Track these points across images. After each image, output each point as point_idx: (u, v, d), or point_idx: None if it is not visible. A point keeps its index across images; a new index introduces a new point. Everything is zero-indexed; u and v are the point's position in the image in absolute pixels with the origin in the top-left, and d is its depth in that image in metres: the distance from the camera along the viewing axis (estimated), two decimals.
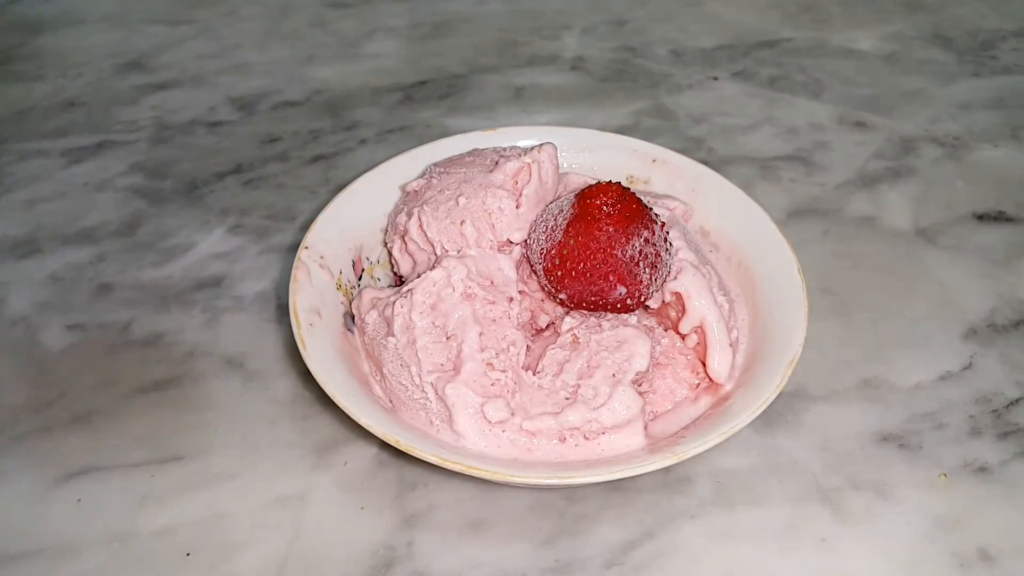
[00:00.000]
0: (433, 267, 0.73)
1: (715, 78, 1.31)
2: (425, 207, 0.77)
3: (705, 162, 0.89)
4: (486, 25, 1.43)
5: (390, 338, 0.71)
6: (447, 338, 0.70)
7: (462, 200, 0.76)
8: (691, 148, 1.14)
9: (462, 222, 0.75)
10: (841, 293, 0.93)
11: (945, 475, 0.76)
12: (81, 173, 1.10)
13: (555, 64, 1.34)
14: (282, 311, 0.90)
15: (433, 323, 0.70)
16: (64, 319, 0.89)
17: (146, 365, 0.85)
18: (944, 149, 1.16)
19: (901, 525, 0.72)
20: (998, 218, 1.04)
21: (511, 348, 0.70)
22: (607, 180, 0.71)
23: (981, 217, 1.05)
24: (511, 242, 0.76)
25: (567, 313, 0.75)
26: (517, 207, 0.76)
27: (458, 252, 0.75)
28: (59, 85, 1.27)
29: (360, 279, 0.83)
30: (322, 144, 1.16)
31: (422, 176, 0.83)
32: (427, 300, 0.71)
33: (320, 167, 1.11)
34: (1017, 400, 0.83)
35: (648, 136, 0.97)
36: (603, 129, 0.94)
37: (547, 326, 0.77)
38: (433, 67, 1.33)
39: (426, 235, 0.77)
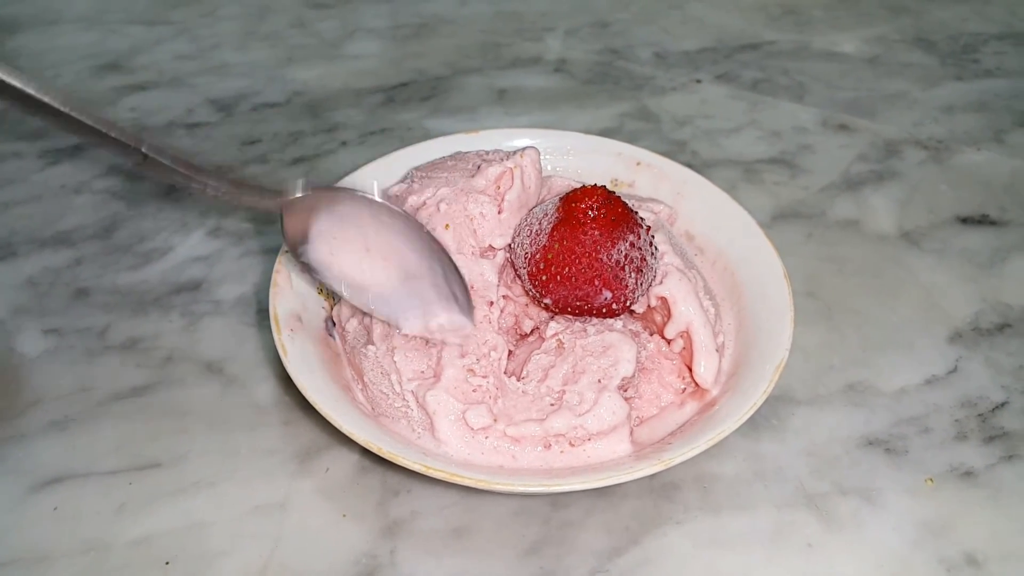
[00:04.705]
0: None
1: (698, 81, 1.31)
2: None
3: (689, 165, 0.90)
4: (468, 27, 1.42)
5: (370, 346, 0.70)
6: (427, 344, 0.69)
7: (443, 206, 0.75)
8: (675, 151, 1.14)
9: (446, 226, 0.74)
10: (825, 297, 0.93)
11: (931, 480, 0.76)
12: (58, 175, 1.09)
13: (538, 66, 1.34)
14: (262, 315, 0.89)
15: None
16: (40, 324, 0.88)
17: (123, 370, 0.84)
18: (928, 152, 1.16)
19: (888, 530, 0.72)
20: (982, 221, 1.05)
21: (492, 353, 0.70)
22: (592, 184, 0.71)
23: (965, 220, 1.05)
24: (493, 247, 0.76)
25: (552, 318, 0.75)
26: (499, 212, 0.75)
27: None
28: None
29: None
30: (303, 146, 1.15)
31: (404, 180, 0.82)
32: None
33: (301, 169, 1.10)
34: (1002, 404, 0.83)
35: (631, 139, 0.97)
36: (586, 131, 0.94)
37: (531, 331, 0.76)
38: (415, 68, 1.32)
39: None
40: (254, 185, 0.66)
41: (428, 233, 0.69)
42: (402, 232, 0.69)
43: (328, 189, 0.68)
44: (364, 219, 0.69)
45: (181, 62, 1.33)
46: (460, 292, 0.70)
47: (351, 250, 0.71)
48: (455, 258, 0.73)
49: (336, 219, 0.69)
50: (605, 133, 1.02)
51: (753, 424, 0.79)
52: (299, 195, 0.67)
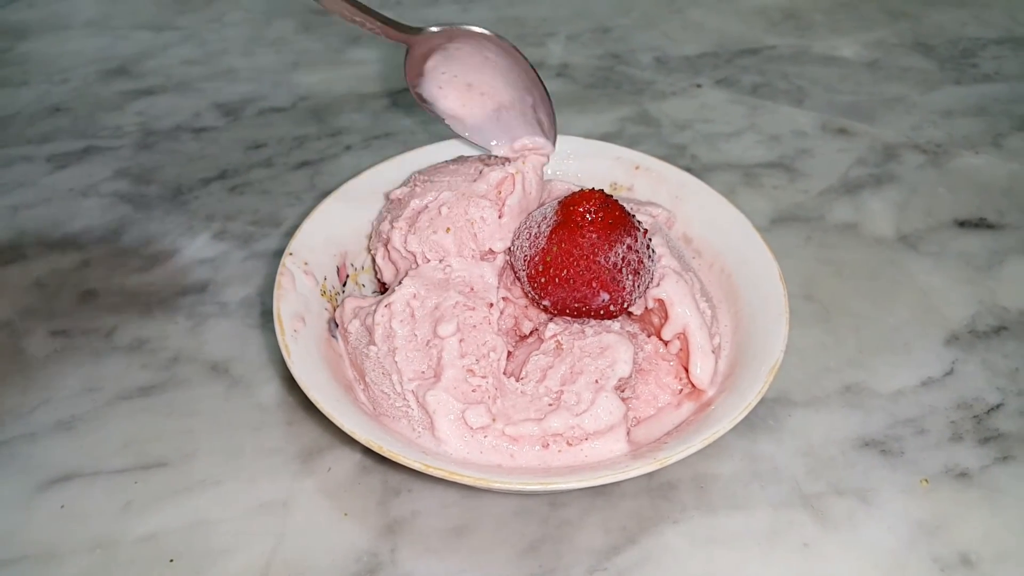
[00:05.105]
0: (411, 276, 0.73)
1: (698, 85, 1.31)
2: (407, 216, 0.78)
3: (689, 169, 0.90)
4: None
5: (371, 347, 0.71)
6: (427, 345, 0.70)
7: (444, 210, 0.76)
8: (675, 155, 1.15)
9: (447, 229, 0.75)
10: (823, 299, 0.94)
11: (927, 480, 0.76)
12: (66, 179, 1.10)
13: (540, 71, 1.33)
14: (266, 317, 0.90)
15: (413, 331, 0.71)
16: (48, 325, 0.89)
17: (130, 371, 0.85)
18: (926, 156, 1.17)
19: (883, 530, 0.72)
20: (979, 225, 1.05)
21: (491, 354, 0.70)
22: (590, 187, 0.72)
23: (963, 224, 1.05)
24: (493, 251, 0.77)
25: (550, 319, 0.76)
26: (500, 217, 0.76)
27: (440, 261, 0.75)
28: (44, 91, 1.27)
29: (345, 285, 0.83)
30: (307, 150, 1.16)
31: (406, 184, 0.83)
32: (407, 308, 0.71)
33: (305, 173, 1.11)
34: (998, 406, 0.83)
35: (632, 143, 0.97)
36: (587, 136, 0.94)
37: (530, 332, 0.77)
38: None
39: (407, 244, 0.77)
40: (391, 21, 0.79)
41: (528, 67, 0.81)
42: (503, 68, 0.81)
43: (448, 28, 0.80)
44: (472, 57, 0.81)
45: (188, 67, 1.34)
46: (546, 118, 0.82)
47: (455, 86, 0.83)
48: (454, 261, 0.74)
49: (447, 57, 0.81)
50: (606, 137, 1.03)
51: (750, 425, 0.80)
52: (425, 33, 0.79)
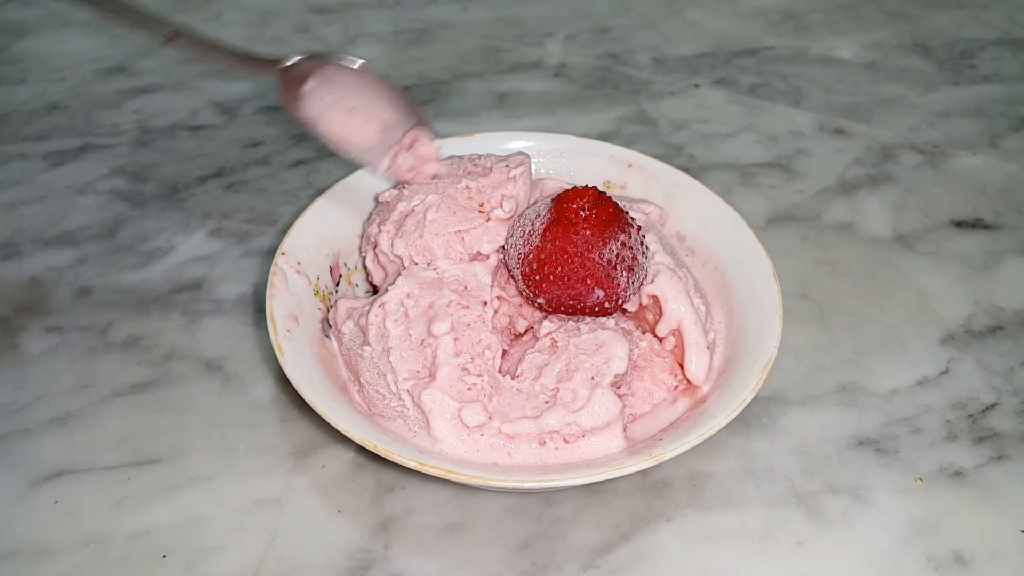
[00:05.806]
0: (404, 275, 0.73)
1: (696, 85, 1.31)
2: (394, 219, 0.77)
3: (686, 168, 0.90)
4: (469, 32, 1.43)
5: (366, 347, 0.71)
6: (421, 344, 0.70)
7: (430, 213, 0.76)
8: (672, 154, 1.15)
9: (434, 233, 0.75)
10: (819, 299, 0.94)
11: (921, 479, 0.76)
12: (63, 176, 1.10)
13: (538, 71, 1.34)
14: (261, 315, 0.90)
15: (407, 330, 0.71)
16: (43, 322, 0.89)
17: (125, 368, 0.84)
18: (923, 156, 1.17)
19: (877, 529, 0.72)
20: (976, 225, 1.05)
21: (486, 352, 0.70)
22: (583, 185, 0.71)
23: (959, 224, 1.05)
24: (481, 253, 0.76)
25: (545, 317, 0.75)
26: (487, 221, 0.76)
27: (428, 264, 0.75)
28: (41, 89, 1.27)
29: (338, 285, 0.83)
30: (304, 149, 1.16)
31: (395, 186, 0.83)
32: (400, 308, 0.71)
33: (302, 172, 1.11)
34: (993, 405, 0.83)
35: (629, 142, 0.97)
36: (585, 135, 0.94)
37: (526, 330, 0.77)
38: (416, 73, 1.33)
39: (394, 248, 0.77)
40: (255, 57, 0.79)
41: (401, 93, 0.82)
42: (381, 92, 0.81)
43: (318, 58, 0.79)
44: (350, 80, 0.80)
45: (185, 65, 1.34)
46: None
47: (338, 110, 0.81)
48: (441, 263, 0.74)
49: (325, 80, 0.79)
50: (603, 137, 1.03)
51: (744, 423, 0.80)
52: (293, 62, 0.78)
